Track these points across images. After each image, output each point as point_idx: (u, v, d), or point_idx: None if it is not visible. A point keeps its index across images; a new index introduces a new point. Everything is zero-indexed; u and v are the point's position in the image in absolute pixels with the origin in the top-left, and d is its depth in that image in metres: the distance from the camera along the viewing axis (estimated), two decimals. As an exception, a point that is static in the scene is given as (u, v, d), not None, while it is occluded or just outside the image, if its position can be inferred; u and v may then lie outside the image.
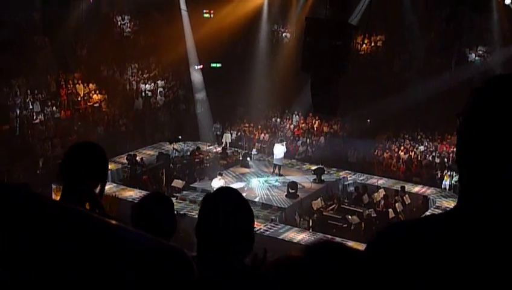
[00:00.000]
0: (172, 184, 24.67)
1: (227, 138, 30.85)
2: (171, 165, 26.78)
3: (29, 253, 1.11)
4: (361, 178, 26.73)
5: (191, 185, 24.91)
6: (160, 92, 33.63)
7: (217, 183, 22.50)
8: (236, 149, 29.92)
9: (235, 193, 2.95)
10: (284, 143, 27.40)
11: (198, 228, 2.78)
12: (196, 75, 33.32)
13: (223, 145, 29.76)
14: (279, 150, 26.57)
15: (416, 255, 1.35)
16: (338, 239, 20.45)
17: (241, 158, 28.20)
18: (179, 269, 1.15)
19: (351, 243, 20.03)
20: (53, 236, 1.12)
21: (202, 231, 2.77)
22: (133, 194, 22.69)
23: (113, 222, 1.16)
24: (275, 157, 26.72)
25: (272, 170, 26.75)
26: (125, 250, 1.13)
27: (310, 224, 22.37)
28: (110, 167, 24.86)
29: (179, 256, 1.17)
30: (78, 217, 1.15)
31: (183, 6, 32.51)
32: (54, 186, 22.26)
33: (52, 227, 1.12)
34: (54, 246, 1.12)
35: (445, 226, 1.40)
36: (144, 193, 19.19)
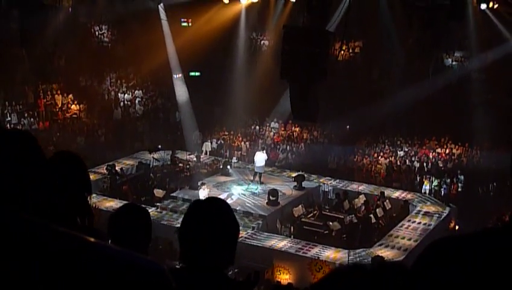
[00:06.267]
0: (153, 194, 24.57)
1: (207, 146, 30.75)
2: (151, 174, 26.66)
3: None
4: (341, 184, 26.75)
5: (172, 195, 24.77)
6: (138, 101, 33.52)
7: (202, 193, 22.55)
8: (216, 157, 29.83)
9: (225, 204, 2.93)
10: (265, 151, 27.38)
11: (182, 232, 2.75)
12: (176, 83, 33.21)
13: (199, 154, 29.51)
14: (260, 157, 26.49)
15: (470, 271, 1.25)
16: (320, 246, 20.50)
17: (221, 167, 28.09)
18: (155, 285, 1.14)
19: (332, 250, 20.10)
20: (21, 253, 1.10)
21: (186, 236, 2.75)
22: (113, 204, 22.49)
23: (89, 238, 1.15)
24: (256, 165, 26.63)
25: (252, 178, 26.65)
26: (100, 267, 1.11)
27: (291, 231, 22.38)
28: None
29: (155, 271, 1.15)
30: (50, 233, 1.13)
31: (162, 15, 32.35)
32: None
33: (20, 244, 1.10)
34: (23, 263, 1.10)
35: (502, 241, 1.30)
36: (124, 203, 19.00)
